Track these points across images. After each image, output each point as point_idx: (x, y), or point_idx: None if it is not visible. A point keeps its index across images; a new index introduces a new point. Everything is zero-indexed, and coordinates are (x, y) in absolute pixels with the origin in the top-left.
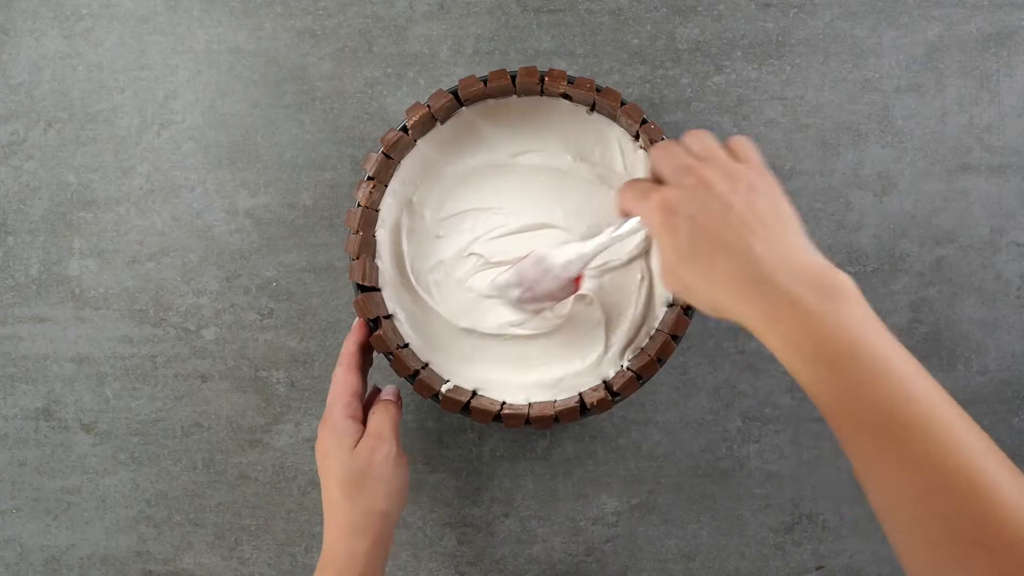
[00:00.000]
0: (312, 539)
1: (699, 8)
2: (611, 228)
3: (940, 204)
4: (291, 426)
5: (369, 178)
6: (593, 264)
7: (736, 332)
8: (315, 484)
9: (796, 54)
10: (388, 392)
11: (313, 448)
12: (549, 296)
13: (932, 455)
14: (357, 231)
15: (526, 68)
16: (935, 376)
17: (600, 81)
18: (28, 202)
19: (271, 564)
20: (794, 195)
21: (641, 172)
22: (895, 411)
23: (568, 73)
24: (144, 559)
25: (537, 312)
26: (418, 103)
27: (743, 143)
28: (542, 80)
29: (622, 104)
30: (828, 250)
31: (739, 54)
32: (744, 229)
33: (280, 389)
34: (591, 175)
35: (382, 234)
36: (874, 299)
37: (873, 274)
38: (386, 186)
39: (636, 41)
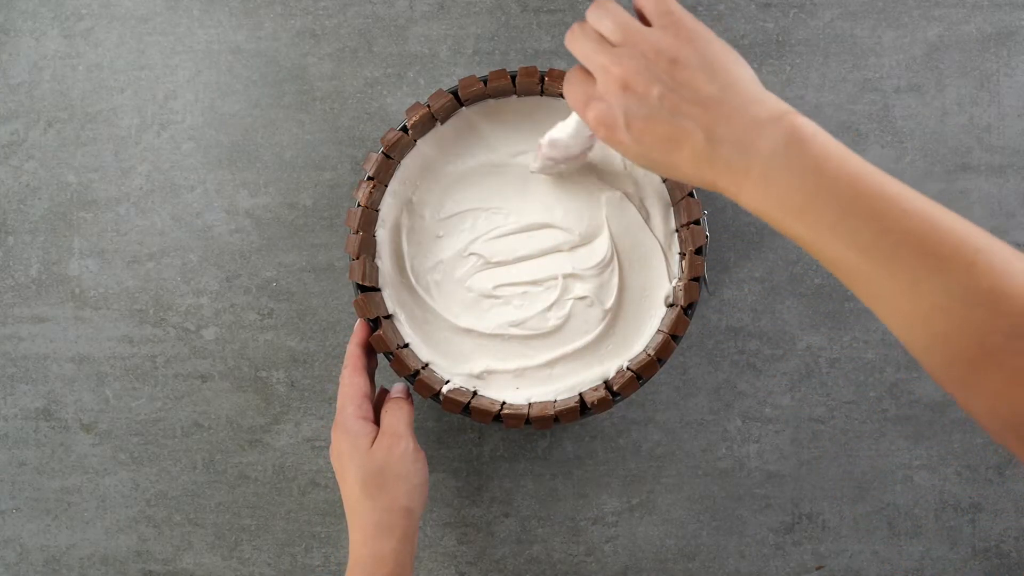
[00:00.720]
0: (312, 539)
1: (699, 8)
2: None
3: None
4: (291, 426)
5: (369, 178)
6: (588, 265)
7: (736, 332)
8: (315, 484)
9: (796, 54)
10: (397, 390)
11: (313, 448)
12: (580, 152)
13: (939, 263)
14: (357, 231)
15: (526, 68)
16: None
17: None
18: (28, 202)
19: (271, 564)
20: None
21: (640, 172)
22: (892, 227)
23: None
24: (144, 559)
25: (581, 156)
26: (418, 103)
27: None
28: (542, 80)
29: None
30: None
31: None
32: (678, 117)
33: (280, 389)
34: (591, 175)
35: (382, 234)
36: None
37: None
38: (386, 186)
39: None
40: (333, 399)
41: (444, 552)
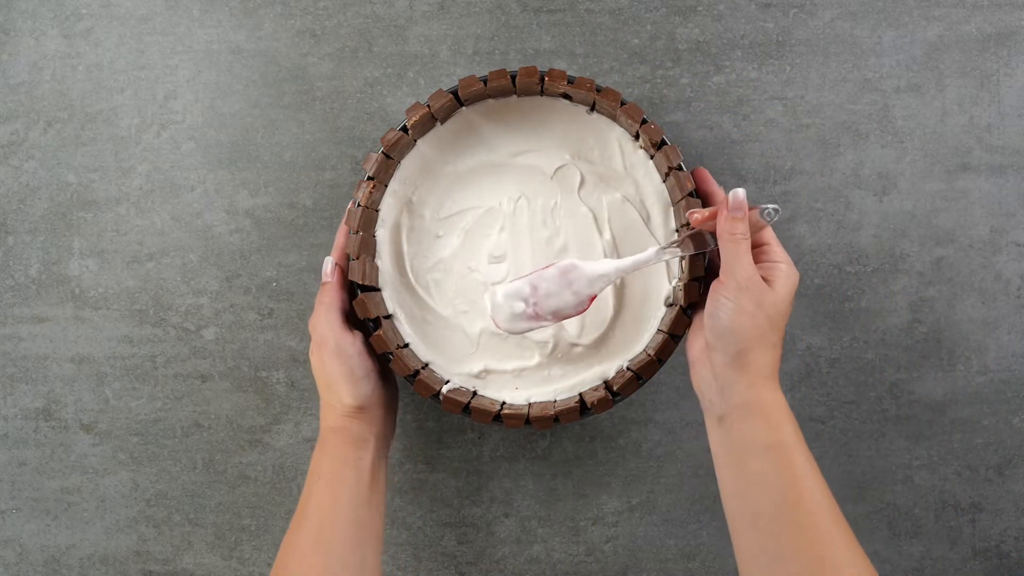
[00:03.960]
0: None
1: (699, 8)
2: (657, 248)
3: (940, 204)
4: (291, 426)
5: (369, 178)
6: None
7: None
8: None
9: (796, 54)
10: (326, 273)
11: (313, 448)
12: (556, 314)
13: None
14: (357, 231)
15: (526, 68)
16: (936, 377)
17: (600, 81)
18: (28, 202)
19: (271, 564)
20: (794, 195)
21: (641, 173)
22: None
23: (568, 73)
24: (144, 559)
25: (526, 331)
26: (418, 103)
27: None
28: (542, 80)
29: (622, 104)
30: (828, 250)
31: (739, 54)
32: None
33: (280, 389)
34: (591, 175)
35: (382, 234)
36: (874, 299)
37: (873, 274)
38: (386, 186)
39: (636, 41)
40: None
41: (444, 552)
